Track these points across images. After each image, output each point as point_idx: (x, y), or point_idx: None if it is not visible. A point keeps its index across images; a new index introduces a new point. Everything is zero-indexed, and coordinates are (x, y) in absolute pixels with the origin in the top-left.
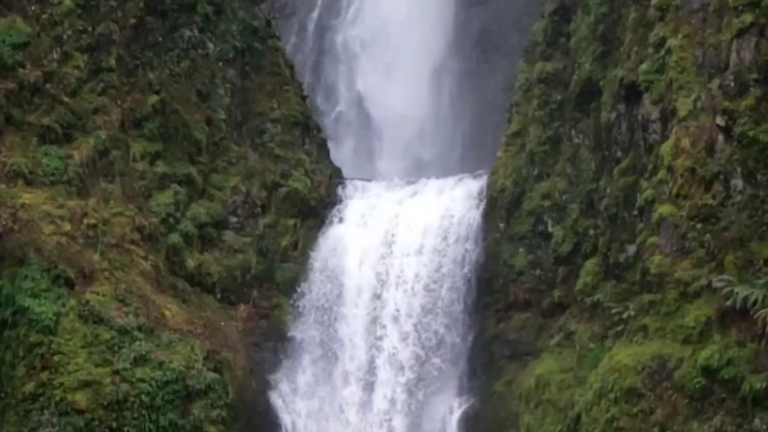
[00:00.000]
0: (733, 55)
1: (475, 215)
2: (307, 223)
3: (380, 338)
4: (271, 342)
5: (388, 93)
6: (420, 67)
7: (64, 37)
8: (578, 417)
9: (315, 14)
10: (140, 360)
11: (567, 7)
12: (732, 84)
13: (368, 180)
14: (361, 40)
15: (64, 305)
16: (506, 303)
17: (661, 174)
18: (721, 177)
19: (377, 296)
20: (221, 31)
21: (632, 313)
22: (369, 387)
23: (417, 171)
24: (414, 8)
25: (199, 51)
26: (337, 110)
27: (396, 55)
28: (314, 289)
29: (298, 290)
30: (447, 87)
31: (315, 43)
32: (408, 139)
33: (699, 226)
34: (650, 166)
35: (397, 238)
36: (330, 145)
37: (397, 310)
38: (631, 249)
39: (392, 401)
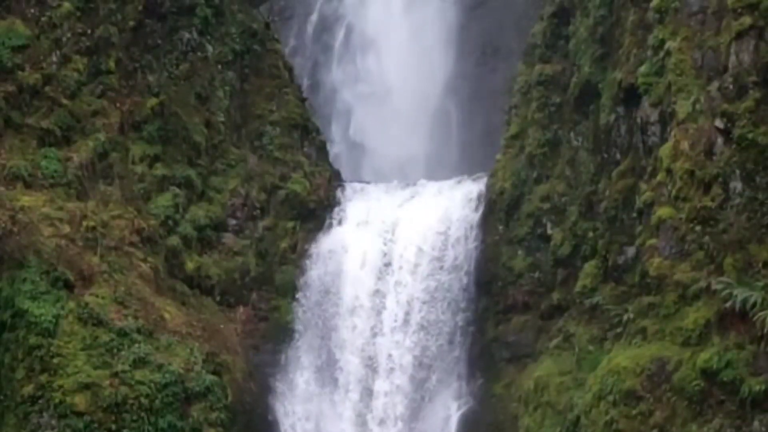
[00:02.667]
0: (732, 58)
1: (474, 217)
2: (306, 226)
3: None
4: (270, 344)
5: (386, 139)
6: (421, 102)
7: (64, 39)
8: (577, 419)
9: (314, 17)
10: (139, 362)
11: (566, 10)
12: (731, 86)
13: (367, 182)
14: (355, 92)
15: (63, 307)
16: (505, 305)
17: (660, 176)
18: (720, 179)
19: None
20: (220, 33)
21: (631, 315)
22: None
23: None
24: (412, 40)
25: (199, 54)
26: (333, 153)
27: (395, 96)
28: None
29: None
30: (453, 112)
31: (308, 78)
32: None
33: (698, 228)
34: (649, 169)
35: (396, 241)
36: None
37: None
38: (630, 251)
39: (392, 403)
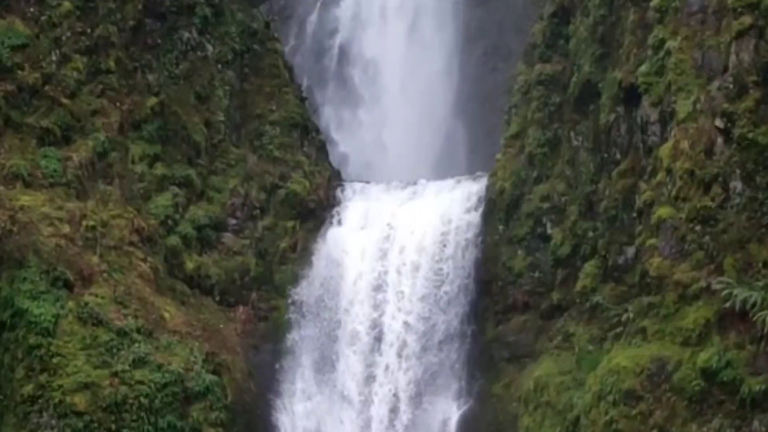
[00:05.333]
0: (732, 57)
1: (474, 217)
2: (305, 225)
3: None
4: (270, 344)
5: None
6: (426, 135)
7: (63, 39)
8: (577, 419)
9: (314, 17)
10: (139, 362)
11: (566, 9)
12: (731, 86)
13: (367, 182)
14: (352, 144)
15: (62, 307)
16: (505, 305)
17: (660, 176)
18: (720, 179)
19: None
20: (220, 33)
21: (631, 315)
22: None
23: None
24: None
25: (198, 53)
26: None
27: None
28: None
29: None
30: (461, 129)
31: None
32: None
33: (698, 228)
34: (649, 168)
35: (395, 241)
36: None
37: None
38: (630, 251)
39: (400, 329)
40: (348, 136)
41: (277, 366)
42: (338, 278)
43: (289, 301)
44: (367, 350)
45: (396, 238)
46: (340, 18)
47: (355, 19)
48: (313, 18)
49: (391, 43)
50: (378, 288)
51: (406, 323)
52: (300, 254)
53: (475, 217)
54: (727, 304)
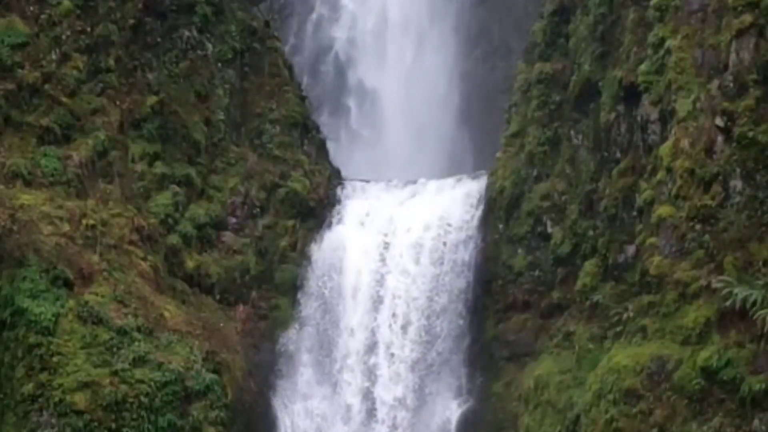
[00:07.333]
0: (733, 56)
1: (474, 216)
2: (306, 224)
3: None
4: (270, 343)
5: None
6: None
7: (63, 37)
8: (577, 418)
9: (314, 15)
10: (139, 361)
11: (566, 8)
12: (731, 85)
13: (367, 181)
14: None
15: (62, 306)
16: (505, 304)
17: (660, 175)
18: (720, 178)
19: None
20: (220, 32)
21: (631, 314)
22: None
23: None
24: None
25: (198, 52)
26: None
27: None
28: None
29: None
30: (467, 138)
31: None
32: None
33: (698, 227)
34: (649, 167)
35: (395, 240)
36: None
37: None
38: (630, 250)
39: (392, 402)
40: (345, 161)
41: (277, 364)
42: (333, 326)
43: (277, 348)
44: (360, 429)
45: (396, 238)
46: (336, 39)
47: (351, 42)
48: (313, 17)
49: (391, 72)
50: (370, 349)
51: (397, 399)
52: (299, 254)
53: (475, 216)
54: (728, 303)
